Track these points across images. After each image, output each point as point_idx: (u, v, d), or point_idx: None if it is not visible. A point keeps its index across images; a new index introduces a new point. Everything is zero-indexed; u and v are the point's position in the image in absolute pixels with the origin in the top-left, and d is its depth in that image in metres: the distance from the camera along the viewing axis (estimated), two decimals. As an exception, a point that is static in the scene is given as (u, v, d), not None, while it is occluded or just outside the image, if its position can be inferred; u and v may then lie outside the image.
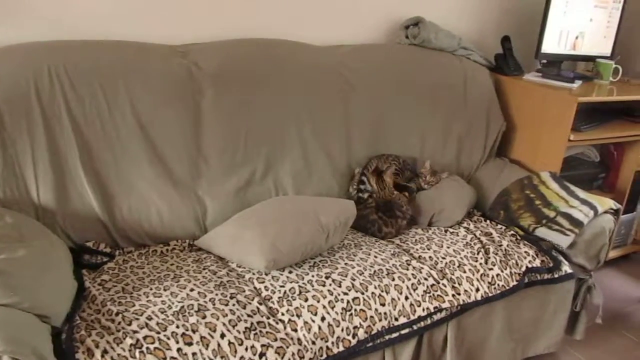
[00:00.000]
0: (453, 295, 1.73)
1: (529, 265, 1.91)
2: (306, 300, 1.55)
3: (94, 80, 1.75)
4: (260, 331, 1.44)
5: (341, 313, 1.55)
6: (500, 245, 1.96)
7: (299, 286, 1.60)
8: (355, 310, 1.58)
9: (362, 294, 1.61)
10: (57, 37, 1.84)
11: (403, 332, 1.64)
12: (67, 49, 1.77)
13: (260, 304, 1.53)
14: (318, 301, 1.56)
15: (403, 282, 1.69)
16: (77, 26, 1.88)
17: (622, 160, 2.71)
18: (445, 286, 1.74)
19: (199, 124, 1.89)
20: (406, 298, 1.66)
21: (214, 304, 1.48)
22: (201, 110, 1.90)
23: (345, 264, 1.73)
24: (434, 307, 1.69)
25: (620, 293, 2.77)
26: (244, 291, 1.57)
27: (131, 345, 1.31)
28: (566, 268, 1.99)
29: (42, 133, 1.67)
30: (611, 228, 2.04)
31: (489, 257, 1.88)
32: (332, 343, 1.51)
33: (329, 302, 1.56)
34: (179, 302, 1.48)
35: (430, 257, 1.85)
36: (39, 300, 1.29)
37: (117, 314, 1.41)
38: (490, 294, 1.81)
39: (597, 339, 2.38)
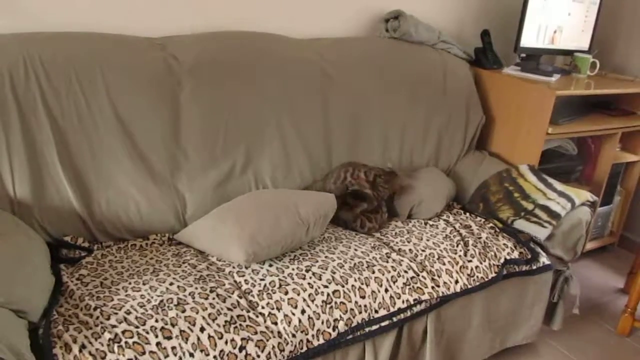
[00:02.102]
0: (432, 287, 1.75)
1: (508, 257, 1.93)
2: (286, 293, 1.55)
3: (71, 72, 1.73)
4: (240, 325, 1.44)
5: (321, 306, 1.56)
6: (479, 238, 1.98)
7: (279, 279, 1.60)
8: (336, 303, 1.58)
9: (343, 286, 1.62)
10: (33, 29, 1.81)
11: (383, 324, 1.65)
12: (44, 41, 1.74)
13: (240, 297, 1.53)
14: (298, 294, 1.56)
15: (383, 274, 1.70)
16: (54, 18, 1.85)
17: (599, 153, 2.75)
18: (424, 278, 1.75)
19: (178, 117, 1.88)
20: (386, 290, 1.67)
21: (193, 298, 1.47)
22: (180, 104, 1.88)
23: (326, 257, 1.74)
24: (414, 299, 1.70)
25: (597, 284, 2.81)
26: (224, 285, 1.57)
27: (110, 339, 1.30)
28: (544, 259, 2.02)
29: (17, 126, 1.65)
30: (588, 220, 2.07)
31: (468, 249, 1.90)
32: (313, 336, 1.52)
33: (309, 295, 1.56)
34: (158, 296, 1.47)
35: (410, 249, 1.86)
36: (14, 295, 1.28)
37: (95, 309, 1.40)
38: (469, 286, 1.82)
39: (574, 329, 2.42)
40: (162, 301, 1.45)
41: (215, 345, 1.37)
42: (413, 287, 1.72)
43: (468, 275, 1.83)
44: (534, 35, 2.63)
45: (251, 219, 1.68)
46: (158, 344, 1.32)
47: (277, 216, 1.69)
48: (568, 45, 2.80)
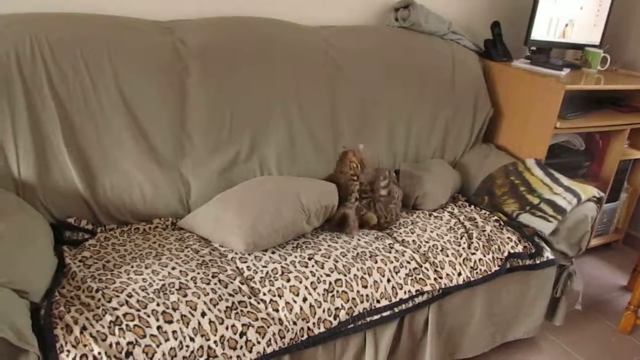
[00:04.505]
0: (435, 279, 1.74)
1: (511, 251, 1.93)
2: (288, 280, 1.55)
3: (78, 54, 1.72)
4: (242, 311, 1.44)
5: (323, 294, 1.55)
6: (484, 231, 1.97)
7: (282, 267, 1.60)
8: (337, 291, 1.58)
9: (345, 275, 1.62)
10: (40, 9, 1.80)
11: (384, 314, 1.65)
12: (51, 21, 1.73)
13: (242, 283, 1.53)
14: (300, 282, 1.55)
15: (386, 264, 1.69)
16: (61, -1, 1.85)
17: (606, 149, 2.73)
18: (427, 270, 1.75)
19: (184, 101, 1.87)
20: (388, 281, 1.67)
21: (195, 283, 1.47)
22: (186, 88, 1.87)
23: (329, 245, 1.73)
24: (416, 290, 1.70)
25: (600, 280, 2.80)
26: (226, 270, 1.57)
27: (111, 322, 1.30)
28: (548, 254, 2.01)
29: (23, 106, 1.64)
30: (593, 216, 2.06)
31: (472, 242, 1.89)
32: (314, 324, 1.52)
33: (311, 283, 1.56)
34: (160, 280, 1.47)
35: (413, 240, 1.85)
36: (17, 275, 1.28)
37: (97, 291, 1.40)
38: (472, 279, 1.82)
39: (575, 325, 2.41)
40: (163, 285, 1.45)
41: (216, 330, 1.37)
42: (415, 278, 1.71)
43: (471, 267, 1.82)
44: (544, 28, 2.60)
45: (252, 207, 1.68)
46: (159, 327, 1.32)
47: (279, 205, 1.69)
48: (579, 39, 2.78)
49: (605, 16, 2.80)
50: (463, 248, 1.85)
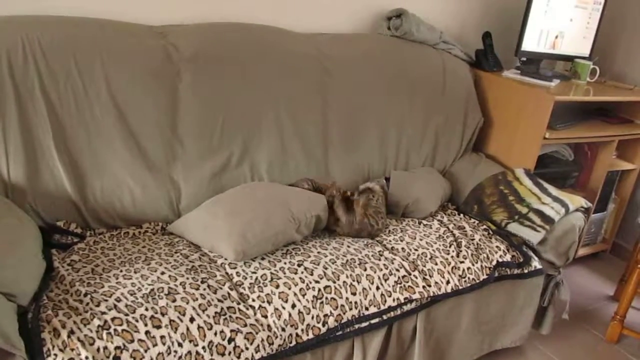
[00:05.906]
0: (423, 287, 1.75)
1: (500, 260, 1.94)
2: (277, 287, 1.55)
3: (70, 57, 1.72)
4: (230, 316, 1.44)
5: (312, 301, 1.56)
6: (472, 239, 1.98)
7: (271, 273, 1.60)
8: (326, 298, 1.58)
9: (334, 282, 1.62)
10: (33, 12, 1.80)
11: (373, 321, 1.65)
12: (43, 25, 1.73)
13: (231, 289, 1.53)
14: (289, 288, 1.56)
15: (375, 272, 1.70)
16: (54, 2, 1.84)
17: (595, 160, 2.75)
18: (416, 277, 1.75)
19: (176, 106, 1.87)
20: (377, 288, 1.67)
21: (184, 288, 1.47)
22: (178, 93, 1.87)
23: (318, 252, 1.74)
24: (405, 298, 1.71)
25: (588, 290, 2.82)
26: (215, 276, 1.57)
27: (99, 326, 1.29)
28: (536, 264, 2.02)
29: (14, 109, 1.64)
30: (581, 226, 2.08)
31: (461, 251, 1.90)
32: (302, 330, 1.52)
33: (300, 289, 1.56)
34: (149, 284, 1.47)
35: (402, 248, 1.86)
36: (5, 278, 1.27)
37: (85, 295, 1.39)
38: (460, 287, 1.83)
39: (563, 334, 2.42)
40: (152, 290, 1.44)
41: (205, 336, 1.37)
42: (404, 285, 1.72)
43: (459, 276, 1.83)
44: (535, 39, 2.63)
45: (243, 215, 1.68)
46: (147, 332, 1.32)
47: (269, 213, 1.69)
48: (569, 50, 2.81)
49: (595, 29, 2.84)
50: (452, 256, 1.86)
